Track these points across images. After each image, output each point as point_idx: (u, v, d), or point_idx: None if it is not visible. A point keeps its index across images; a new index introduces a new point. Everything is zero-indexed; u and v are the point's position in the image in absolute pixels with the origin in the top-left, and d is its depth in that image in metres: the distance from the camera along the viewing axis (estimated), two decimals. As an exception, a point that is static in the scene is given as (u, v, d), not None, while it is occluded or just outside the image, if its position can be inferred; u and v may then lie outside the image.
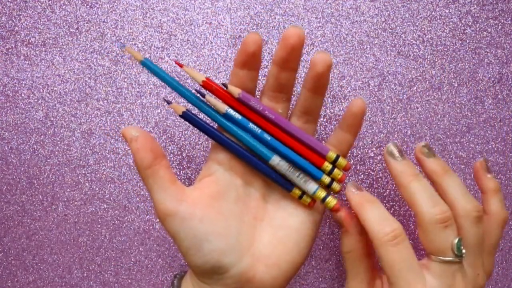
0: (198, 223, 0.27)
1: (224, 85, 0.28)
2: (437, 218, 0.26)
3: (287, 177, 0.29)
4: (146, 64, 0.28)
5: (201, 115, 0.32)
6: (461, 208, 0.28)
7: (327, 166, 0.29)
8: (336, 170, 0.29)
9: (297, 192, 0.29)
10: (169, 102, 0.28)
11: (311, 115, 0.29)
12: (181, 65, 0.28)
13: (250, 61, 0.27)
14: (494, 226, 0.30)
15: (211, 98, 0.28)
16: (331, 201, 0.29)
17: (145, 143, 0.27)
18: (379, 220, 0.27)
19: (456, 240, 0.26)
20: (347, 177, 0.37)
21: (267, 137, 0.28)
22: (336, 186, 0.29)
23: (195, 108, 0.29)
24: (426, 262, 0.27)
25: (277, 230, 0.29)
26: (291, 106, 0.31)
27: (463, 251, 0.26)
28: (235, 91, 0.28)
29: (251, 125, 0.28)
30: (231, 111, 0.28)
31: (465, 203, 0.28)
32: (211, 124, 0.29)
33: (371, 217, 0.27)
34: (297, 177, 0.29)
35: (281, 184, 0.29)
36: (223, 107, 0.28)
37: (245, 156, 0.28)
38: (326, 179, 0.29)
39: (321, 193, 0.29)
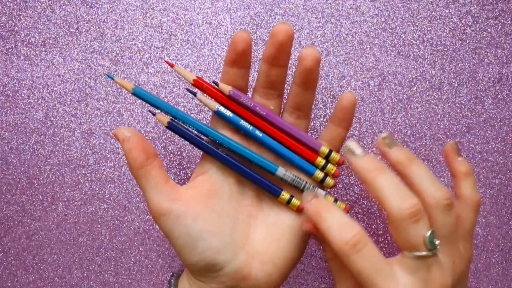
0: (192, 222, 0.27)
1: (215, 83, 0.28)
2: (407, 213, 0.25)
3: (295, 186, 0.29)
4: (137, 93, 0.28)
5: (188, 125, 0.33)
6: (430, 197, 0.26)
7: (320, 161, 0.29)
8: (329, 165, 0.29)
9: (285, 197, 0.29)
10: (153, 113, 0.28)
11: (302, 110, 0.29)
12: (171, 65, 0.28)
13: (239, 59, 0.27)
14: (467, 210, 0.29)
15: (202, 97, 0.28)
16: (340, 205, 0.30)
17: (137, 143, 0.27)
18: (337, 228, 0.25)
19: (428, 234, 0.25)
20: (347, 176, 0.37)
21: (259, 133, 0.28)
22: (329, 181, 0.29)
23: (182, 118, 0.28)
24: (400, 259, 0.26)
25: (271, 228, 0.29)
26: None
27: (437, 243, 0.25)
28: (226, 88, 0.28)
29: (242, 122, 0.28)
30: (222, 109, 0.28)
31: (434, 191, 0.26)
32: (197, 134, 0.29)
33: (329, 226, 0.26)
34: (304, 186, 0.29)
35: (269, 190, 0.29)
36: (214, 105, 0.28)
37: (233, 165, 0.28)
38: (320, 174, 0.29)
39: (330, 199, 0.29)
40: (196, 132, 0.29)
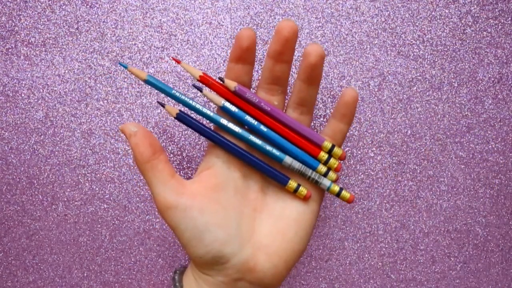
0: (198, 214, 0.27)
1: (221, 79, 0.28)
2: None
3: (301, 174, 0.30)
4: (150, 82, 0.28)
5: (196, 116, 0.33)
6: None
7: (323, 155, 0.30)
8: (332, 159, 0.30)
9: (292, 186, 0.30)
10: (163, 105, 0.29)
11: (306, 106, 0.30)
12: (178, 61, 0.28)
13: (244, 56, 0.28)
14: None
15: (208, 92, 0.29)
16: (346, 194, 0.30)
17: (144, 138, 0.28)
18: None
19: None
20: (347, 176, 0.37)
21: (264, 128, 0.29)
22: (332, 175, 0.30)
23: (190, 110, 0.29)
24: None
25: (276, 221, 0.30)
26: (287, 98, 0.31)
27: None
28: (231, 84, 0.28)
29: (247, 117, 0.29)
30: (228, 104, 0.29)
31: None
32: (206, 124, 0.29)
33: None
34: (311, 174, 0.30)
35: (276, 179, 0.30)
36: (220, 101, 0.29)
37: (240, 154, 0.29)
38: (322, 168, 0.30)
39: (336, 188, 0.30)
40: (204, 123, 0.29)
